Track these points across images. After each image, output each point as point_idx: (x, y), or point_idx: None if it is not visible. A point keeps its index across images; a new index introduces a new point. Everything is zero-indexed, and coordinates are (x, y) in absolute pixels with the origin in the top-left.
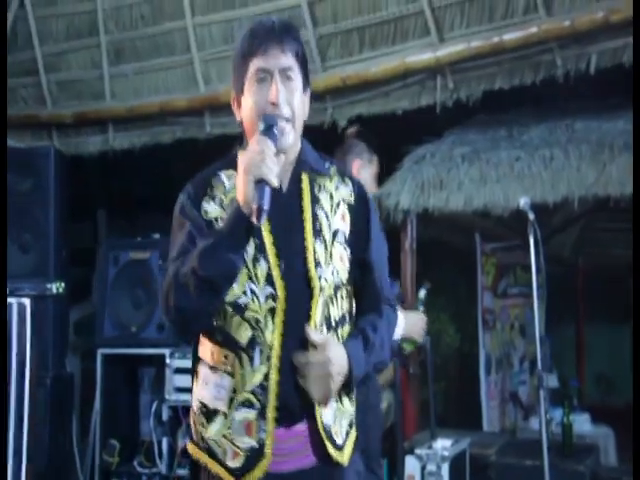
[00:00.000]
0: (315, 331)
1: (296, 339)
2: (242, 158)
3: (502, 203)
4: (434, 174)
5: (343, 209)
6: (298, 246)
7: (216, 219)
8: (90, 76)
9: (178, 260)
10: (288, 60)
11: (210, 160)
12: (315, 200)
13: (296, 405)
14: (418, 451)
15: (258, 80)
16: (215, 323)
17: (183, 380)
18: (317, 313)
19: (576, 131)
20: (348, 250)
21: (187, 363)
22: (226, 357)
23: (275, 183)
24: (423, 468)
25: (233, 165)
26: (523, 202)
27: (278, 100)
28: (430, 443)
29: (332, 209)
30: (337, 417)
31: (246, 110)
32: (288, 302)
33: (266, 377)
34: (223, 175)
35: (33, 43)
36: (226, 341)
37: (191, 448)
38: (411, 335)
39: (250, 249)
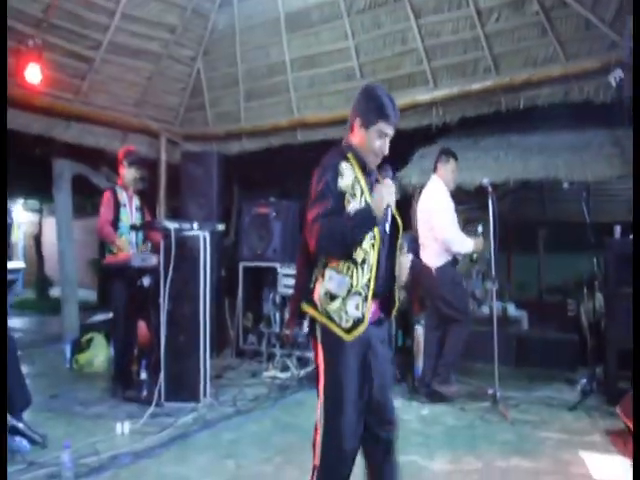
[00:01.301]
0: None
1: (384, 260)
2: (382, 190)
3: (469, 182)
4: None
5: None
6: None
7: (344, 192)
8: (233, 109)
9: (326, 218)
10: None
11: (300, 158)
12: None
13: (381, 293)
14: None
15: (380, 135)
16: None
17: (287, 280)
18: (399, 245)
19: (512, 142)
20: None
21: (290, 271)
22: (348, 267)
23: (393, 207)
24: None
25: (344, 158)
26: (485, 181)
27: (384, 153)
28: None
29: None
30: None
31: (362, 140)
32: (381, 241)
33: (369, 280)
34: (343, 165)
35: (204, 91)
36: (349, 259)
37: (315, 313)
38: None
39: None
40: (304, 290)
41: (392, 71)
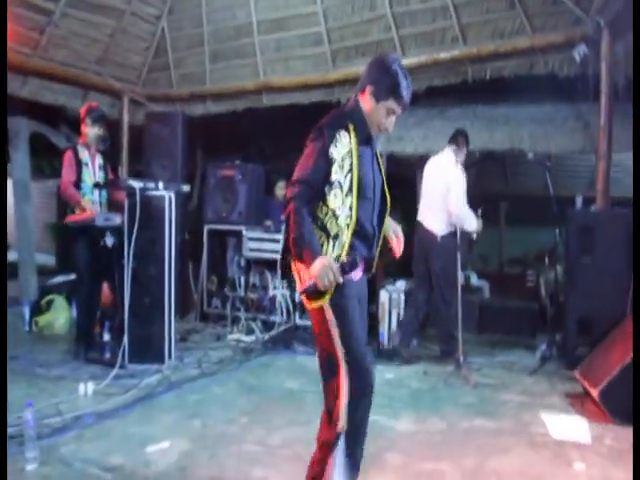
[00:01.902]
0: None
1: (370, 231)
2: (317, 268)
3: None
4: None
5: None
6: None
7: (334, 160)
8: (198, 70)
9: (304, 184)
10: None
11: (265, 122)
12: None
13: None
14: (387, 287)
15: (388, 112)
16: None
17: (253, 244)
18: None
19: (477, 112)
20: None
21: (254, 235)
22: (320, 237)
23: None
24: (390, 297)
25: (345, 127)
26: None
27: (388, 130)
28: (394, 283)
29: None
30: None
31: (370, 109)
32: (357, 223)
33: (338, 256)
34: (342, 133)
35: (168, 52)
36: (323, 230)
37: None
38: None
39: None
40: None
41: (360, 38)
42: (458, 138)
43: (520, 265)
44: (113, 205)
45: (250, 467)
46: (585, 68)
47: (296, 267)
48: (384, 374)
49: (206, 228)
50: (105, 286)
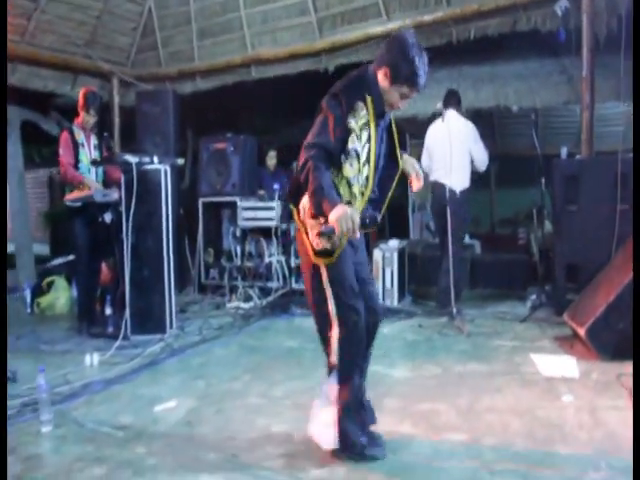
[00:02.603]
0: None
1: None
2: (340, 216)
3: (423, 113)
4: None
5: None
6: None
7: (352, 130)
8: (186, 48)
9: (321, 148)
10: None
11: (253, 97)
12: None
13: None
14: (381, 246)
15: (402, 95)
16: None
17: (247, 213)
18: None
19: (464, 72)
20: None
21: (249, 204)
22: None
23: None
24: (383, 255)
25: (363, 99)
26: (439, 105)
27: (400, 109)
28: (387, 242)
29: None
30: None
31: (385, 87)
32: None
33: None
34: (360, 105)
35: (155, 31)
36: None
37: (298, 220)
38: None
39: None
40: (292, 194)
41: (345, 4)
42: (453, 99)
43: (511, 225)
44: (110, 183)
45: (254, 417)
46: (567, 22)
47: (304, 222)
48: (381, 329)
49: (201, 201)
50: (104, 265)
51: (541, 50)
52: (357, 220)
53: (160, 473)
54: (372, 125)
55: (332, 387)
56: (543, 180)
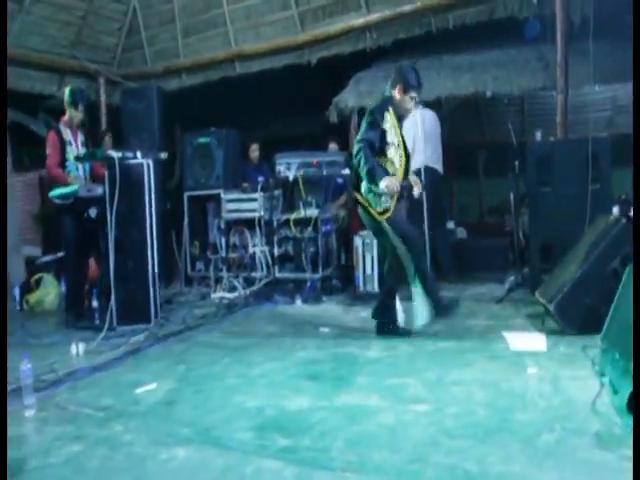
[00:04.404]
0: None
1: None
2: (392, 181)
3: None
4: (366, 87)
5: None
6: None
7: (386, 130)
8: (171, 45)
9: (367, 142)
10: None
11: (238, 92)
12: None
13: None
14: (361, 233)
15: (411, 98)
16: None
17: (232, 205)
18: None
19: (443, 61)
20: None
21: (232, 196)
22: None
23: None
24: (363, 242)
25: (387, 110)
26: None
27: (410, 111)
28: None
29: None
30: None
31: (401, 99)
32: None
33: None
34: (387, 115)
35: (141, 30)
36: (385, 171)
37: (359, 198)
38: None
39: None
40: (355, 183)
41: None
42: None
43: (499, 213)
44: (97, 179)
45: (231, 395)
46: (543, 9)
47: (367, 200)
48: (359, 313)
49: (186, 195)
50: (92, 261)
51: (519, 38)
52: (398, 184)
53: (134, 447)
54: (396, 125)
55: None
56: (517, 163)
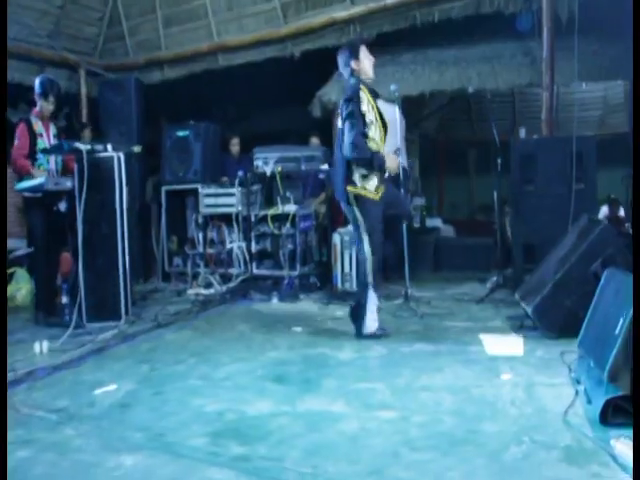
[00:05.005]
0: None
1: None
2: (392, 160)
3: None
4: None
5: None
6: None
7: (365, 111)
8: (153, 36)
9: (355, 126)
10: None
11: (225, 82)
12: None
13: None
14: (339, 230)
15: (364, 57)
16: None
17: (209, 200)
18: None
19: (428, 56)
20: None
21: (210, 191)
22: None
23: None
24: (341, 239)
25: (360, 87)
26: (393, 88)
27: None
28: (346, 227)
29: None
30: None
31: (358, 63)
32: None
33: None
34: (362, 93)
35: (121, 20)
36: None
37: (355, 190)
38: None
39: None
40: (347, 176)
41: None
42: None
43: (489, 211)
44: (69, 172)
45: (191, 398)
46: (530, 4)
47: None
48: (334, 312)
49: (164, 189)
50: (66, 255)
51: (506, 33)
52: (396, 160)
53: (83, 454)
54: (372, 103)
55: None
56: (499, 161)
